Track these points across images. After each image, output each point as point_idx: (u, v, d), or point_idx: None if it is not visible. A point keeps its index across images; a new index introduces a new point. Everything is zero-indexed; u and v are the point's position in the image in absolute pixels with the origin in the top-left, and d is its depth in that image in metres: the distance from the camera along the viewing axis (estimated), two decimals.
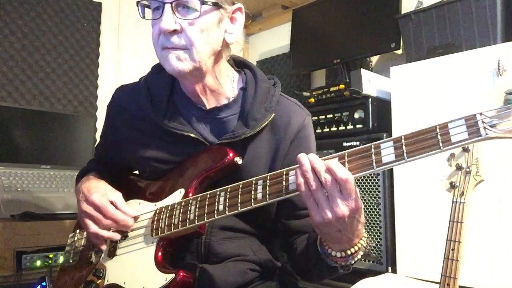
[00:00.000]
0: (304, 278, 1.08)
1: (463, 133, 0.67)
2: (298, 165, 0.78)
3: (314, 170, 0.76)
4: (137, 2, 0.97)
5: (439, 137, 0.68)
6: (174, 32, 0.92)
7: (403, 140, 0.71)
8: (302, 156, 0.77)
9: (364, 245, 0.84)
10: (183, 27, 0.92)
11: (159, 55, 0.97)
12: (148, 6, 0.97)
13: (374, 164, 0.73)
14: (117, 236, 1.03)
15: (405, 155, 0.71)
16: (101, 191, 1.05)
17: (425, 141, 0.69)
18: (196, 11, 0.92)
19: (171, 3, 0.91)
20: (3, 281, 1.69)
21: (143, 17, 0.98)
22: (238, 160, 0.99)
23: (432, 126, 0.70)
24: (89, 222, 1.01)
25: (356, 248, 0.84)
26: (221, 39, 0.99)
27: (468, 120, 0.67)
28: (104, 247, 1.05)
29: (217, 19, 0.96)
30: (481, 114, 0.66)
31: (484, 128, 0.65)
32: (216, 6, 0.95)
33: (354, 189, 0.74)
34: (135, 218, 1.05)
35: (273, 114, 1.03)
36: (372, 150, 0.74)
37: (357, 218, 0.78)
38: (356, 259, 0.86)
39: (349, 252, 0.83)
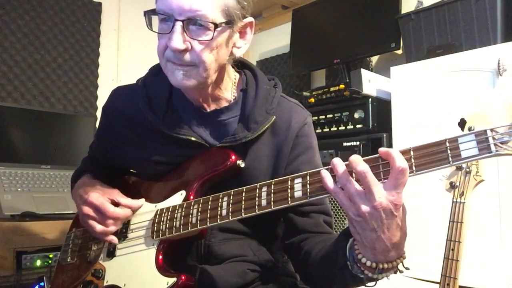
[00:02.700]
0: (319, 285, 0.99)
1: (473, 148, 0.65)
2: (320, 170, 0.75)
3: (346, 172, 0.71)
4: (145, 12, 0.93)
5: (448, 151, 0.67)
6: (184, 50, 0.89)
7: (411, 153, 0.70)
8: (335, 160, 0.73)
9: (399, 268, 0.77)
10: (193, 46, 0.89)
11: (163, 65, 0.95)
12: (155, 14, 0.92)
13: (382, 177, 0.71)
14: (115, 240, 1.03)
15: (414, 168, 0.69)
16: (98, 191, 1.05)
17: (435, 155, 0.68)
18: (209, 30, 0.88)
19: (182, 21, 0.87)
20: (3, 281, 1.69)
21: (151, 28, 0.93)
22: (241, 164, 0.97)
23: (441, 140, 0.68)
24: (93, 224, 1.01)
25: (390, 265, 0.75)
26: (228, 54, 0.97)
27: (479, 136, 0.65)
28: (116, 241, 1.04)
29: (227, 36, 0.93)
30: (492, 130, 0.65)
31: (495, 144, 0.64)
32: (229, 24, 0.91)
33: (404, 183, 0.68)
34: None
35: (274, 117, 1.02)
36: (380, 161, 0.72)
37: (397, 221, 0.71)
38: (383, 275, 0.77)
39: (380, 266, 0.75)
